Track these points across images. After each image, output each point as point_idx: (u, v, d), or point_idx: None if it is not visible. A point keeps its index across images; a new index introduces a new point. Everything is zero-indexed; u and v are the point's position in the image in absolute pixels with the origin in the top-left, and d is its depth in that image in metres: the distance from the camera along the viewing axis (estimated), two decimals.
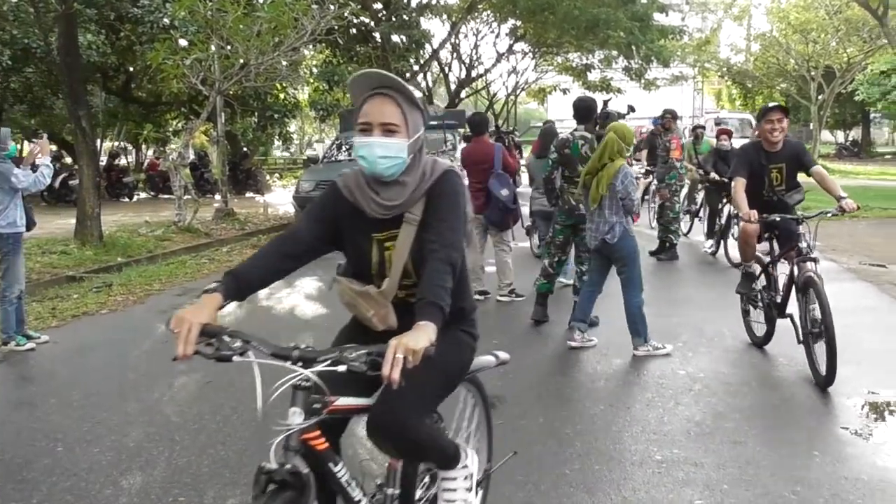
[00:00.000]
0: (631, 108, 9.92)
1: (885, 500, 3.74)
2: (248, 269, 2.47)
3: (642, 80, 28.00)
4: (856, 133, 50.73)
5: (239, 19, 13.23)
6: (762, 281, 6.30)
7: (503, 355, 3.09)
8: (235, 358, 2.21)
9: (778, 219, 5.72)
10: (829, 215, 5.76)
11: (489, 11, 26.87)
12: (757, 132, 6.60)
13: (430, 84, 30.47)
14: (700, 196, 12.81)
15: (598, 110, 7.59)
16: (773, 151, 5.99)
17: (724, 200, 10.94)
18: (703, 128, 13.71)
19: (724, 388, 5.49)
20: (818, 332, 5.31)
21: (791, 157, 6.02)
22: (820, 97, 32.34)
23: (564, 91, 31.00)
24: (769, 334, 6.27)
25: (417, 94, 2.50)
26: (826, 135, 42.14)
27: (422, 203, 2.53)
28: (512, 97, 34.54)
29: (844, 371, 5.62)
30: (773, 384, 5.61)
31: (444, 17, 26.17)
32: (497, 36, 29.73)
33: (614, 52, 26.29)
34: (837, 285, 8.16)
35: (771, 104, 6.19)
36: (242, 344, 2.22)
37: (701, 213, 12.75)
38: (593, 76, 30.19)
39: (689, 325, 7.23)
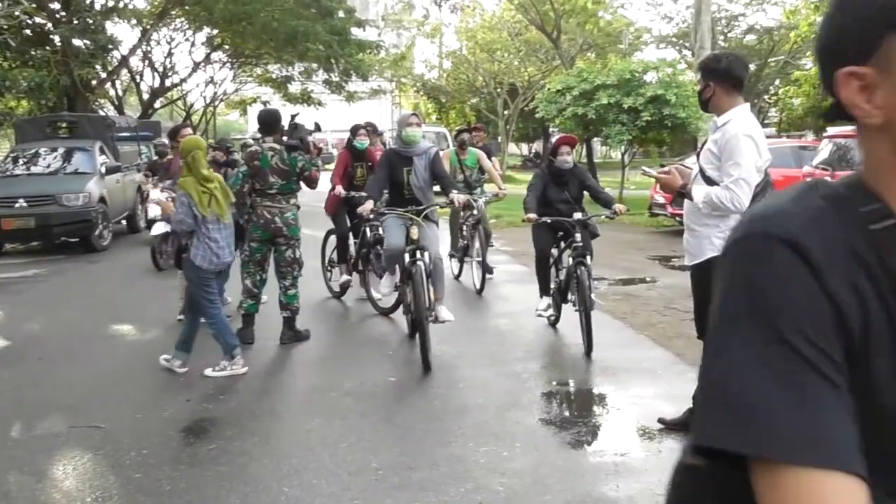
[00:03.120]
0: (317, 126, 9.86)
1: (579, 481, 4.04)
2: None
3: (343, 93, 28.46)
4: (538, 146, 55.21)
5: None
6: None
7: None
8: None
9: None
10: None
11: (183, 18, 25.90)
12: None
13: (121, 93, 28.72)
14: (469, 225, 9.33)
15: (289, 123, 7.54)
16: None
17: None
18: (470, 132, 10.26)
19: (422, 391, 5.69)
20: None
21: None
22: (506, 112, 34.70)
23: (265, 103, 30.57)
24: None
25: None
26: (513, 147, 45.24)
27: None
28: (210, 108, 33.57)
29: (534, 366, 6.13)
30: (478, 385, 5.85)
31: (134, 22, 24.78)
32: (192, 44, 28.78)
33: (314, 65, 26.51)
34: (518, 287, 8.75)
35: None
36: None
37: (474, 251, 9.18)
38: (294, 88, 30.20)
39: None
